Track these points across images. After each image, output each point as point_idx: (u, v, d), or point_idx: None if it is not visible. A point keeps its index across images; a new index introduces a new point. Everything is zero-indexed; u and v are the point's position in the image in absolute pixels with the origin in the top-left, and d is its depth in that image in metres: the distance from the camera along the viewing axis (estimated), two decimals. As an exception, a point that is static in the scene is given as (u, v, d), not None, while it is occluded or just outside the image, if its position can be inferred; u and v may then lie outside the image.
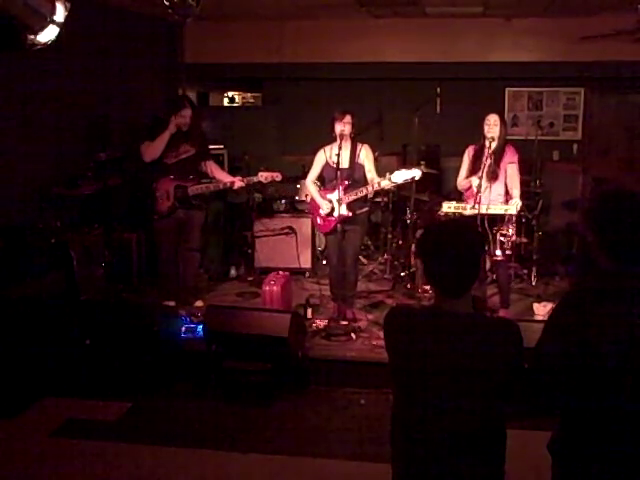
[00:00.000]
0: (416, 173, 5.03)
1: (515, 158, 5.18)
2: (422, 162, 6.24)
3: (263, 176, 5.58)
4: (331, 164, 5.14)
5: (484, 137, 5.12)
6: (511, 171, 5.14)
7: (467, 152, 5.32)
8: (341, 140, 4.97)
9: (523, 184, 5.34)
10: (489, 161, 5.08)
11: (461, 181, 5.29)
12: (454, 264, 2.03)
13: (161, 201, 5.53)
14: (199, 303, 5.77)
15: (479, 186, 4.99)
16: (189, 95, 8.41)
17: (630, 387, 1.90)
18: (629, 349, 1.89)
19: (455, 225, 2.25)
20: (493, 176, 5.08)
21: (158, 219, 5.57)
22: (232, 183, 5.64)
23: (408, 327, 2.14)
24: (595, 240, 2.04)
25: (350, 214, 5.06)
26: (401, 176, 4.95)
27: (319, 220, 5.30)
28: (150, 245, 6.40)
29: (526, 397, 2.09)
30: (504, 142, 5.16)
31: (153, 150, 5.43)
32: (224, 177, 5.76)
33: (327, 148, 5.22)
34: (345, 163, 5.07)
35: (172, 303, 5.64)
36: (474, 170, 5.14)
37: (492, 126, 5.09)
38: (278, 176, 5.62)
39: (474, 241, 2.14)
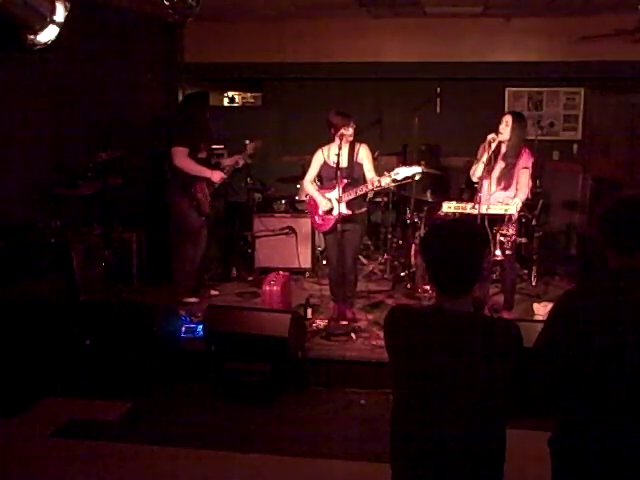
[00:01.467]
0: (417, 170, 5.02)
1: (529, 163, 5.05)
2: (422, 162, 6.24)
3: (250, 147, 6.03)
4: (330, 163, 5.14)
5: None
6: (522, 177, 5.02)
7: (482, 147, 5.14)
8: (341, 141, 4.96)
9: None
10: (501, 164, 5.03)
11: (475, 172, 5.14)
12: (456, 263, 2.04)
13: (203, 202, 5.69)
14: (214, 292, 6.07)
15: (480, 181, 4.97)
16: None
17: (628, 384, 1.90)
18: (627, 346, 1.89)
19: (458, 224, 2.26)
20: (505, 184, 5.01)
21: (205, 220, 5.78)
22: (237, 162, 6.00)
23: (408, 327, 2.14)
24: (606, 239, 2.06)
25: (350, 212, 5.05)
26: (402, 173, 4.94)
27: (318, 219, 5.29)
28: (152, 245, 6.43)
29: (525, 396, 2.09)
30: (519, 145, 5.03)
31: (186, 169, 5.58)
32: (227, 161, 6.08)
33: (325, 148, 5.21)
34: (344, 162, 5.05)
35: (195, 300, 5.82)
36: (487, 169, 4.99)
37: (503, 127, 5.00)
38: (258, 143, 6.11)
39: (476, 241, 2.14)
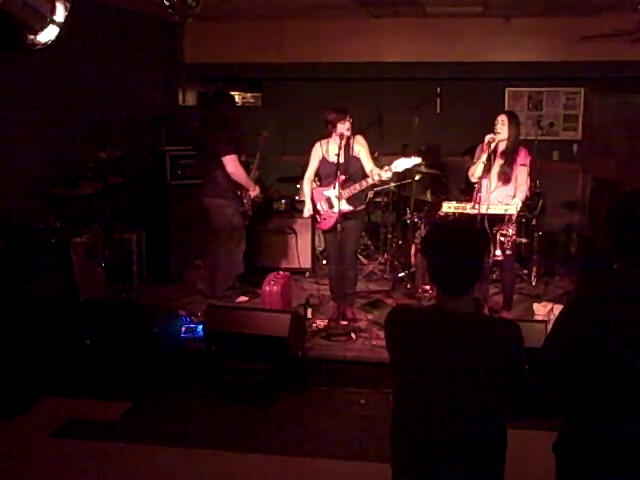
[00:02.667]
0: (416, 161, 5.03)
1: (527, 161, 5.10)
2: (422, 162, 6.24)
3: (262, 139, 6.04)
4: (328, 159, 5.14)
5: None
6: (520, 175, 5.07)
7: (479, 147, 5.20)
8: (341, 140, 4.95)
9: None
10: (500, 161, 5.06)
11: (475, 172, 5.15)
12: (457, 263, 2.04)
13: (248, 206, 5.77)
14: (244, 298, 5.99)
15: (479, 180, 4.98)
16: (189, 95, 8.46)
17: (636, 389, 1.89)
18: (636, 351, 1.88)
19: (460, 224, 2.26)
20: (505, 178, 5.05)
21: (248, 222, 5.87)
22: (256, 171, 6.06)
23: (409, 326, 2.14)
24: (610, 241, 2.03)
25: (351, 208, 5.05)
26: (402, 165, 4.93)
27: (319, 218, 5.30)
28: (152, 245, 6.42)
29: (528, 397, 2.08)
30: (516, 143, 5.08)
31: (238, 177, 5.60)
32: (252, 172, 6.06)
33: (323, 142, 5.20)
34: (340, 157, 5.02)
35: (245, 298, 5.95)
36: (486, 168, 5.01)
37: (500, 126, 5.05)
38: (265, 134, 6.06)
39: (477, 241, 2.14)
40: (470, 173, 5.23)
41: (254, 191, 5.77)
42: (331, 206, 5.13)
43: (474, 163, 5.20)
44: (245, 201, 5.73)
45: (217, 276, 5.90)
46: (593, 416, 1.96)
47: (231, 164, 5.55)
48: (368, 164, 5.11)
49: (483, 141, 5.08)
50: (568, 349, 1.97)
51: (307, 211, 5.33)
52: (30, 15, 3.19)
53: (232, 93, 9.72)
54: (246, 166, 5.88)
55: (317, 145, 5.23)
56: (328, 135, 5.14)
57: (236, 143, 5.64)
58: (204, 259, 6.30)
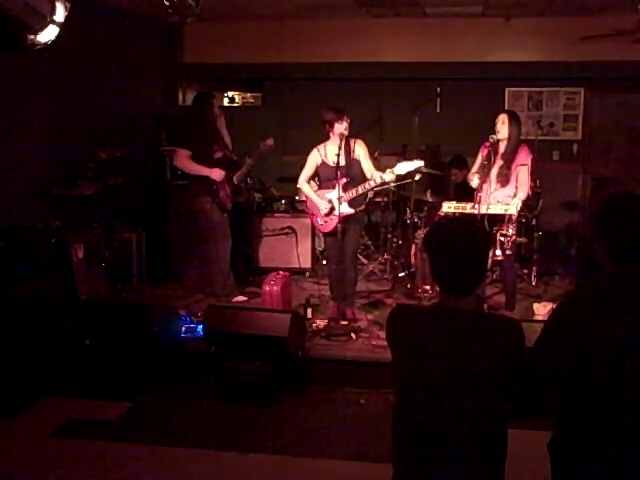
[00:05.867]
0: (419, 164, 5.03)
1: (528, 160, 5.07)
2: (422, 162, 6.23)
3: (264, 145, 5.85)
4: (328, 163, 5.13)
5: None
6: (521, 174, 5.05)
7: (481, 150, 5.22)
8: (341, 140, 4.95)
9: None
10: (500, 162, 5.05)
11: (471, 177, 5.20)
12: (460, 262, 2.04)
13: (225, 199, 5.73)
14: (243, 298, 5.95)
15: (479, 185, 4.99)
16: (189, 95, 8.46)
17: (628, 389, 1.89)
18: (627, 351, 1.88)
19: (463, 223, 2.25)
20: (504, 179, 5.04)
21: (227, 217, 5.82)
22: (247, 167, 5.98)
23: (411, 325, 2.14)
24: (600, 243, 2.02)
25: (352, 211, 5.05)
26: (404, 168, 4.93)
27: (320, 221, 5.28)
28: (152, 245, 6.42)
29: (525, 397, 2.08)
30: (516, 143, 5.06)
31: (185, 170, 5.69)
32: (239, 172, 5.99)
33: (321, 147, 5.20)
34: (341, 160, 5.01)
35: (244, 298, 5.91)
36: (486, 169, 5.02)
37: (500, 125, 5.04)
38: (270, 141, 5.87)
39: (481, 240, 2.14)
40: (468, 179, 5.25)
41: (211, 173, 5.57)
42: (332, 209, 5.13)
43: (474, 172, 5.21)
44: (221, 194, 5.69)
45: (212, 274, 5.89)
46: (585, 415, 1.96)
47: (176, 158, 5.67)
48: (368, 167, 5.11)
49: (482, 142, 5.09)
50: (559, 349, 1.96)
51: (324, 207, 5.16)
52: (30, 15, 3.19)
53: (232, 93, 9.82)
54: (224, 162, 5.78)
55: (314, 151, 5.22)
56: (325, 138, 5.14)
57: (190, 139, 5.64)
58: (198, 258, 6.30)
